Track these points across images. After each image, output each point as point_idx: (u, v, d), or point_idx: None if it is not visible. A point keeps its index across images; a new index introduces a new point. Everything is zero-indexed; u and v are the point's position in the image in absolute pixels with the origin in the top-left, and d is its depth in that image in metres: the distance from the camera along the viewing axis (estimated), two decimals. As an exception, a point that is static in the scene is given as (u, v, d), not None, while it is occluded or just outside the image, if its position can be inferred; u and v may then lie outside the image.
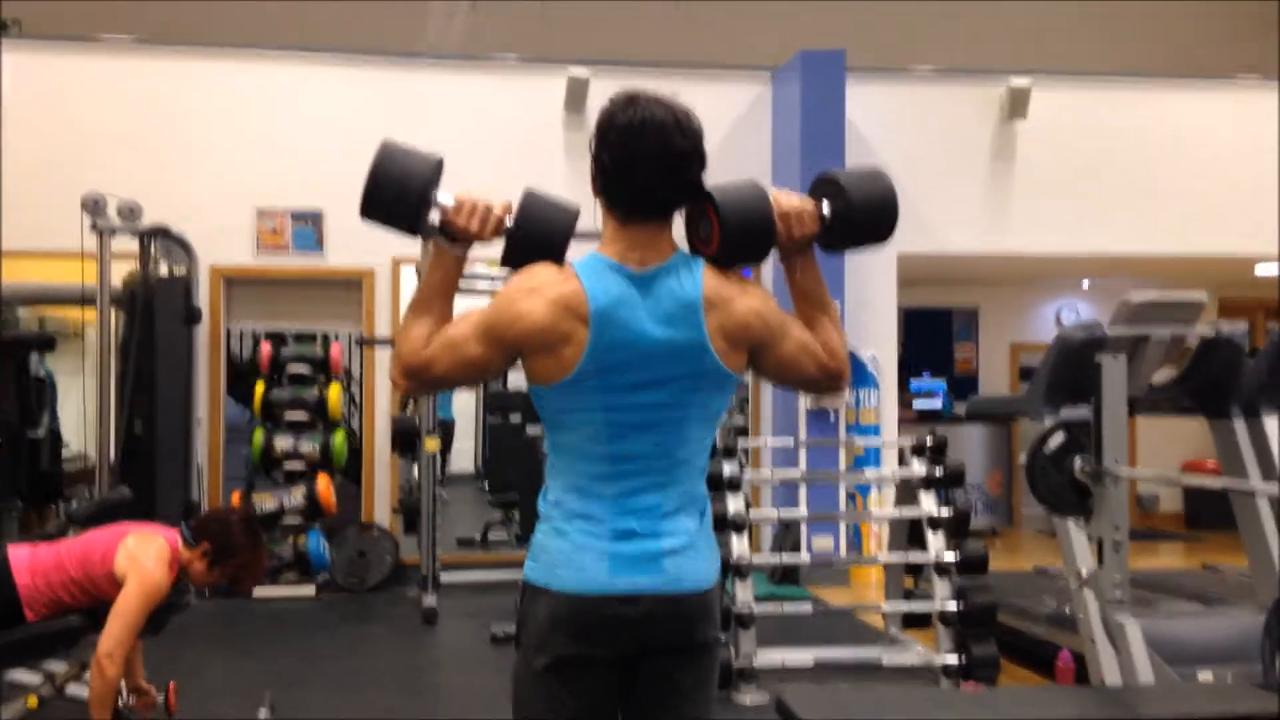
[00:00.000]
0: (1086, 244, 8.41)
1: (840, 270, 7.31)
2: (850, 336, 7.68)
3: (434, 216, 1.95)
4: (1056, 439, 3.44)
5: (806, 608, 4.90)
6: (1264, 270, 9.18)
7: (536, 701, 1.90)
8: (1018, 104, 8.13)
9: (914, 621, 5.04)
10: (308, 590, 6.96)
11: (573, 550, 1.87)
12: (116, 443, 6.72)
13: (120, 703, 3.56)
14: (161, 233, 6.86)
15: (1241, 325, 4.52)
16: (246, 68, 7.82)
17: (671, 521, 1.89)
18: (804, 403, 7.44)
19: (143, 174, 7.27)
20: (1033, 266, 9.24)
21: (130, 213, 6.76)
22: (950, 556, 4.63)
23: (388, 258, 7.53)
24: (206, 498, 7.33)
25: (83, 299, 6.68)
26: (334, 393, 7.34)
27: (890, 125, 8.12)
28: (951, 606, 4.55)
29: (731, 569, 4.53)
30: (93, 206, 6.58)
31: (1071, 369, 4.22)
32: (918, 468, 4.88)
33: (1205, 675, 3.91)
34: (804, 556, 5.61)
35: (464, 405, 12.31)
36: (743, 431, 8.06)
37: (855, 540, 7.73)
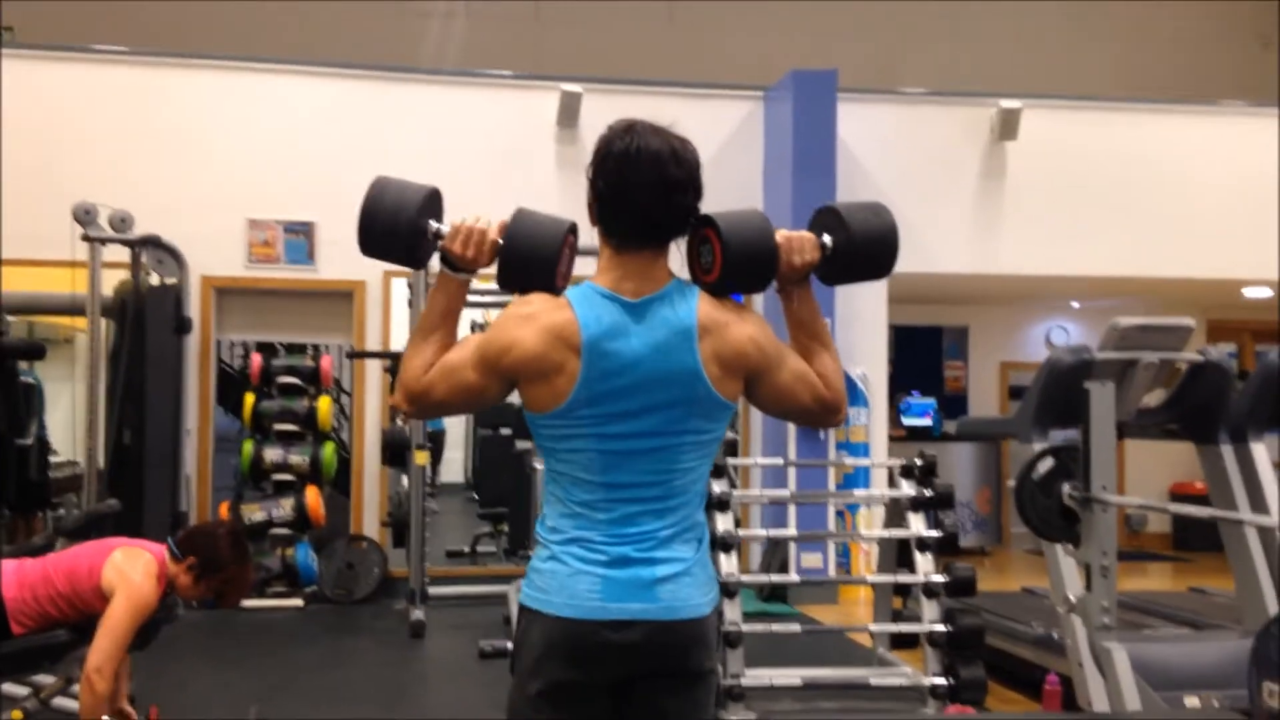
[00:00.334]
0: (1076, 265, 8.45)
1: (830, 288, 7.32)
2: (840, 354, 7.69)
3: (432, 246, 1.97)
4: (1045, 464, 3.45)
5: (795, 627, 4.89)
6: (1252, 293, 9.23)
7: None
8: (1008, 125, 8.18)
9: (902, 642, 5.04)
10: (295, 602, 6.94)
11: (567, 575, 1.88)
12: (106, 452, 6.72)
13: None
14: (152, 242, 6.86)
15: (1229, 348, 4.54)
16: (240, 78, 7.82)
17: (667, 548, 1.90)
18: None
19: (134, 183, 7.27)
20: (1022, 286, 9.28)
21: (121, 222, 6.76)
22: (939, 578, 4.64)
23: (379, 270, 7.52)
24: (195, 508, 7.31)
25: (73, 308, 6.68)
26: (324, 404, 7.33)
27: (881, 145, 8.16)
28: (939, 628, 4.55)
29: (720, 587, 4.52)
30: (84, 216, 6.58)
31: (1061, 392, 4.25)
32: (907, 489, 4.88)
33: (1192, 701, 3.92)
34: (793, 576, 5.61)
35: (454, 417, 12.31)
36: (733, 447, 8.06)
37: (844, 557, 7.75)
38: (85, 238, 6.57)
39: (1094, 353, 4.30)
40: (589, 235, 2.00)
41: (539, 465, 6.35)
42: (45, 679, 4.20)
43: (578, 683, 1.88)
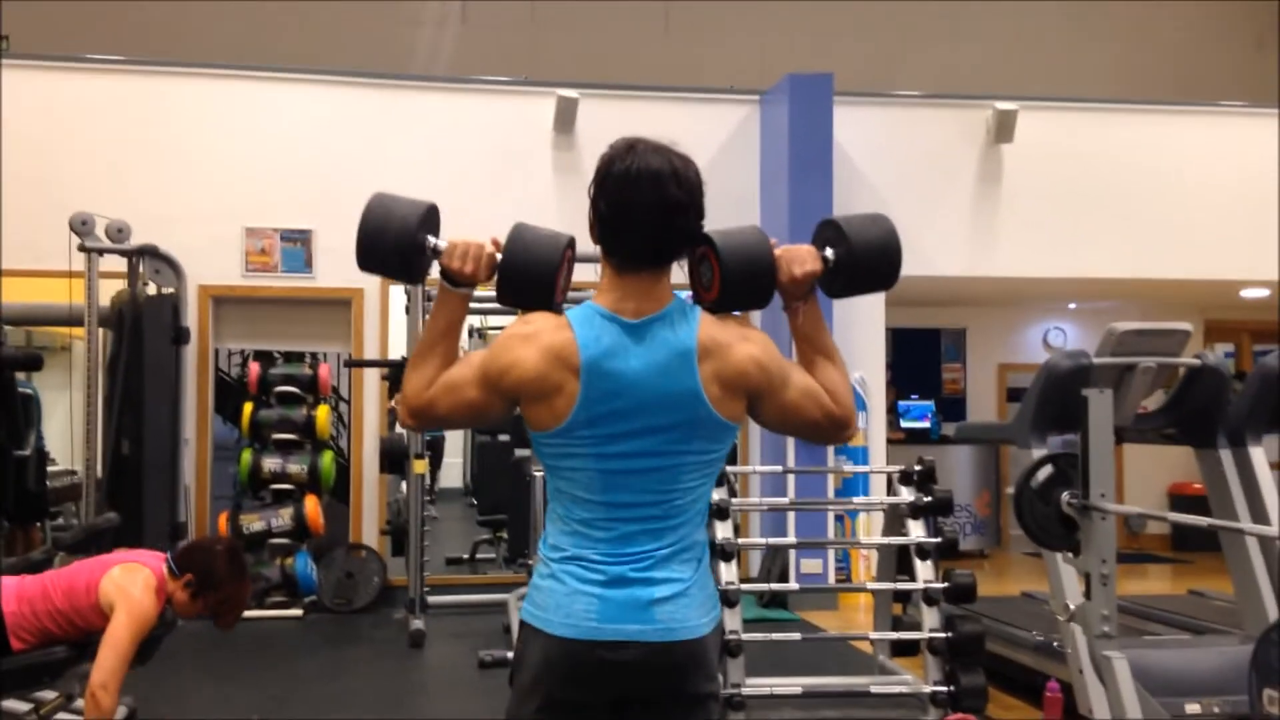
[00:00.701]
0: (1073, 266, 8.45)
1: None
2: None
3: (430, 262, 1.97)
4: (1044, 472, 3.45)
5: (795, 635, 4.90)
6: (1250, 293, 9.24)
7: None
8: (1004, 127, 8.18)
9: (903, 649, 5.04)
10: (295, 612, 6.93)
11: (565, 595, 1.88)
12: (104, 462, 6.71)
13: None
14: (150, 252, 6.85)
15: (1227, 349, 4.54)
16: (236, 87, 7.82)
17: (665, 568, 1.89)
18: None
19: (131, 193, 7.28)
20: (1020, 288, 9.28)
21: (119, 232, 6.75)
22: (939, 585, 4.64)
23: (377, 278, 7.45)
24: (194, 517, 7.30)
25: (70, 318, 6.67)
26: (322, 413, 7.32)
27: (877, 148, 8.16)
28: (940, 635, 4.55)
29: (720, 596, 4.52)
30: (81, 226, 6.58)
31: (1059, 397, 4.24)
32: (906, 495, 4.88)
33: (1193, 707, 3.92)
34: (793, 584, 5.60)
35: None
36: (732, 454, 8.07)
37: (844, 562, 7.74)
38: (82, 248, 6.56)
39: (1091, 357, 4.30)
40: (586, 243, 2.00)
41: (537, 472, 6.35)
42: (46, 694, 4.20)
43: (575, 702, 1.88)
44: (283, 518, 7.02)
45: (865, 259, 2.02)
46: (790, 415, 1.98)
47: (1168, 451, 8.98)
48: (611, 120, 7.75)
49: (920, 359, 10.48)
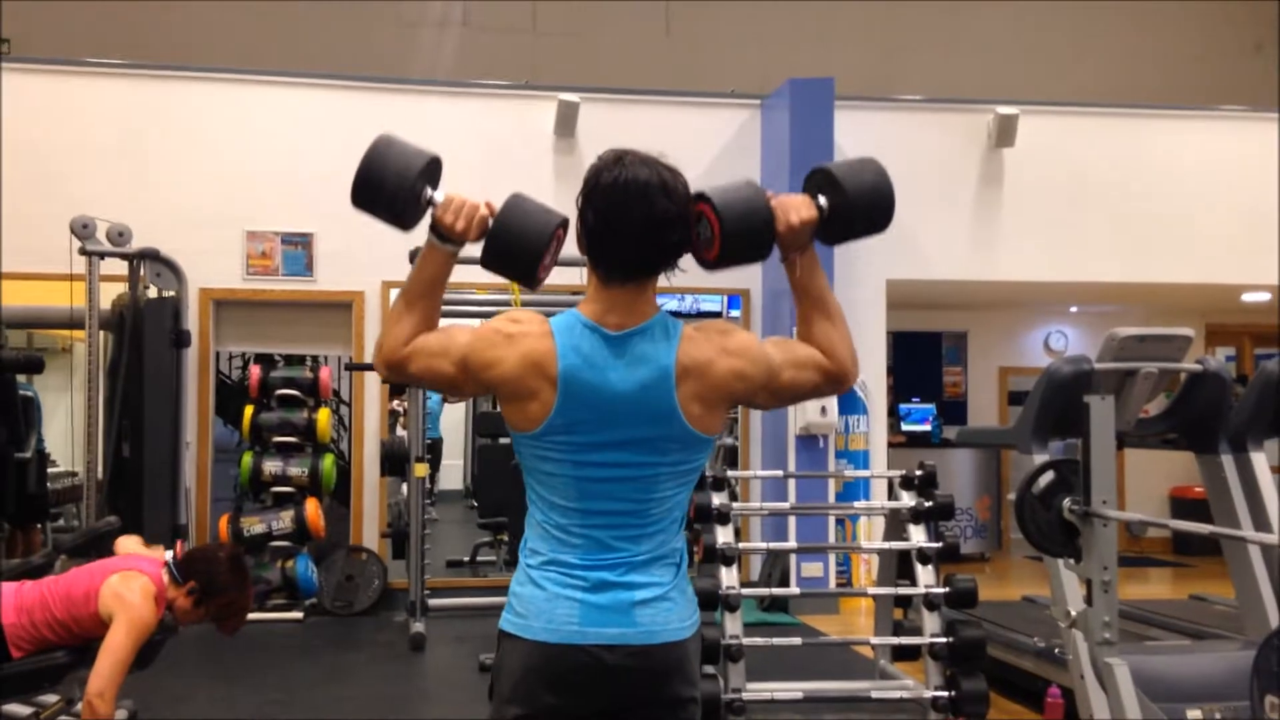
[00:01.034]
0: (1074, 270, 8.45)
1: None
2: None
3: (423, 212, 1.98)
4: (1045, 478, 3.44)
5: (796, 640, 4.89)
6: (1251, 297, 9.23)
7: None
8: (1005, 132, 8.17)
9: (904, 653, 5.04)
10: (295, 615, 6.93)
11: (546, 600, 1.88)
12: (105, 464, 6.71)
13: None
14: (150, 255, 6.85)
15: (1228, 353, 4.54)
16: (237, 90, 7.82)
17: (644, 572, 1.90)
18: (793, 430, 7.44)
19: (132, 196, 7.27)
20: (1021, 292, 9.27)
21: (119, 236, 6.76)
22: (939, 590, 4.63)
23: (377, 281, 7.53)
24: (194, 520, 7.30)
25: (71, 321, 6.67)
26: (323, 416, 7.32)
27: (879, 153, 7.89)
28: (940, 641, 4.55)
29: (721, 601, 4.52)
30: (82, 230, 6.58)
31: (1060, 402, 4.24)
32: (907, 500, 4.88)
33: (1194, 713, 3.91)
34: (794, 588, 5.60)
35: (454, 422, 12.30)
36: (733, 458, 8.06)
37: (845, 565, 7.74)
38: (83, 251, 6.56)
39: (1093, 362, 4.29)
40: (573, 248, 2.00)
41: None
42: (47, 698, 4.20)
43: (556, 709, 1.88)
44: (283, 520, 7.02)
45: (859, 202, 2.00)
46: (788, 394, 2.00)
47: (1169, 455, 8.99)
48: (613, 124, 7.83)
49: (921, 362, 10.48)
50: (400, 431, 7.90)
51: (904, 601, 5.16)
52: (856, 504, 6.28)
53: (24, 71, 7.50)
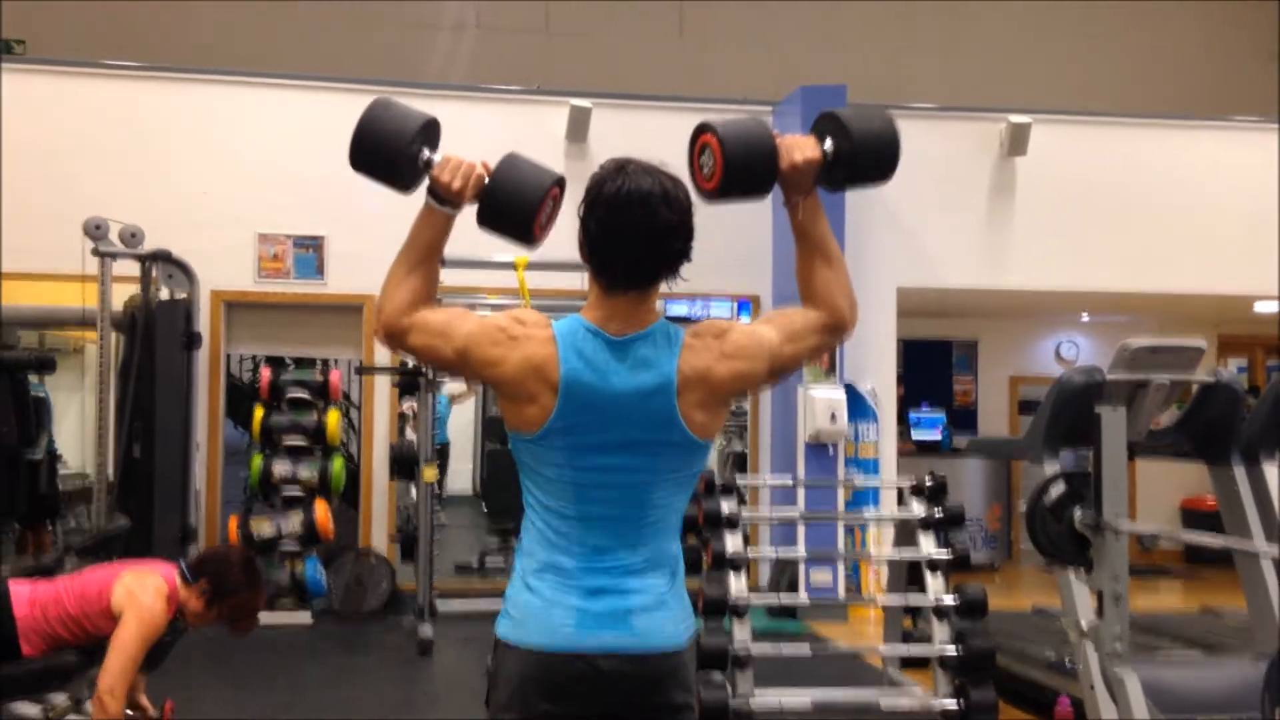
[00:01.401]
0: (1085, 280, 8.42)
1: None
2: (848, 369, 7.68)
3: (421, 173, 1.98)
4: (1056, 489, 3.43)
5: (805, 649, 4.87)
6: (1263, 307, 9.19)
7: None
8: (1017, 141, 8.16)
9: (913, 662, 5.02)
10: (304, 618, 6.93)
11: (542, 606, 1.89)
12: (115, 465, 6.72)
13: None
14: (163, 257, 6.88)
15: (1240, 364, 4.52)
16: (250, 93, 7.85)
17: (640, 579, 1.90)
18: (802, 437, 7.43)
19: (144, 198, 7.30)
20: (1032, 301, 9.25)
21: (132, 237, 6.78)
22: (949, 599, 4.62)
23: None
24: (204, 522, 7.32)
25: (83, 322, 6.70)
26: (333, 419, 7.33)
27: (891, 160, 8.11)
28: (950, 650, 4.53)
29: (729, 608, 4.51)
30: (94, 231, 6.61)
31: (1071, 413, 4.22)
32: (917, 509, 4.86)
33: (1204, 726, 3.90)
34: (802, 597, 5.58)
35: (462, 425, 12.31)
36: (742, 462, 8.06)
37: (854, 574, 7.71)
38: (96, 252, 6.59)
39: (1104, 373, 4.28)
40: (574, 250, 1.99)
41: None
42: (57, 697, 4.21)
43: (553, 715, 1.87)
44: (293, 523, 7.02)
45: (863, 149, 1.99)
46: (791, 366, 2.01)
47: (1180, 465, 8.97)
48: (624, 130, 7.82)
49: (932, 370, 10.46)
50: (409, 434, 7.91)
51: (913, 610, 5.14)
52: (866, 512, 6.28)
53: (39, 73, 7.54)
